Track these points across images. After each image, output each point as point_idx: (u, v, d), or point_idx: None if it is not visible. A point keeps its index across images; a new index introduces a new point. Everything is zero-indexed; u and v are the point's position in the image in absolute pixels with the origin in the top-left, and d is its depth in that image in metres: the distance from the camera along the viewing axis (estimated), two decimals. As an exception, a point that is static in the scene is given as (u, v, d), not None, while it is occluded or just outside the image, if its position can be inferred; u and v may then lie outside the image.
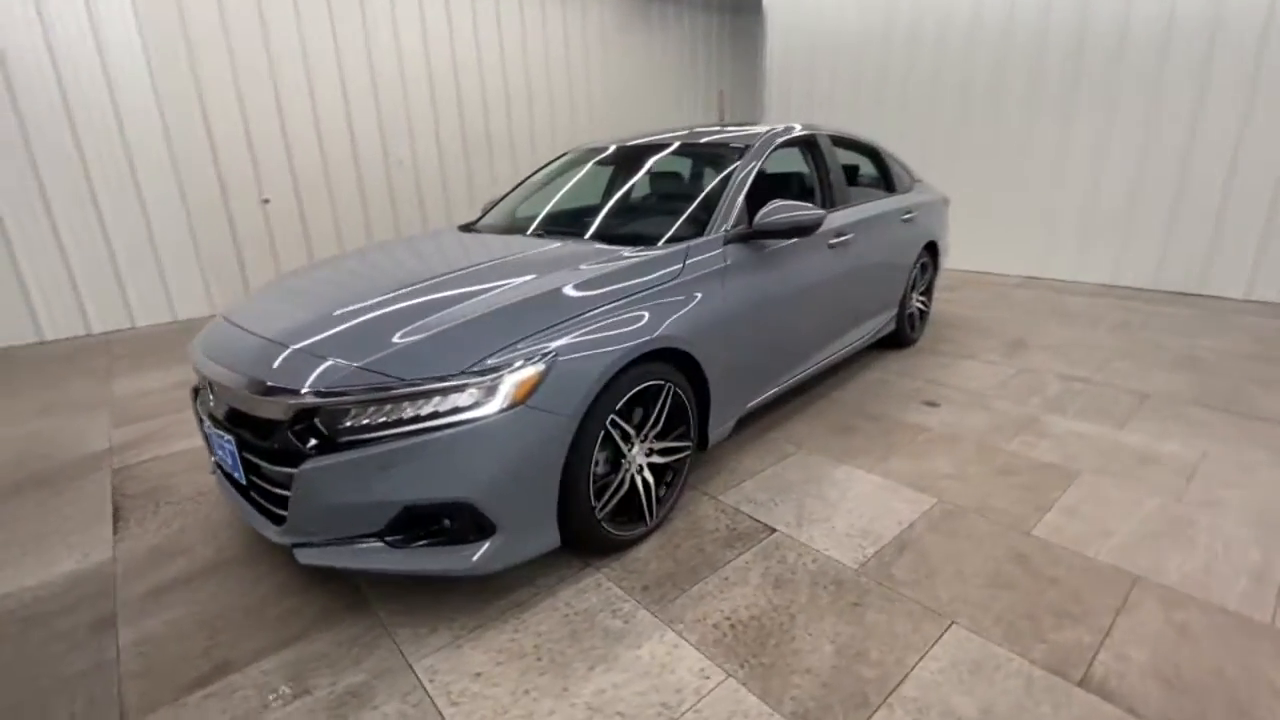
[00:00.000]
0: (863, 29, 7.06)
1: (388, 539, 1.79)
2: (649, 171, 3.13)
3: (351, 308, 2.08)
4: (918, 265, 4.14)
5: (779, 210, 2.54)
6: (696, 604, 1.95)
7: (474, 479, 1.72)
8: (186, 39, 5.45)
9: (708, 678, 1.68)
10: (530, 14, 7.71)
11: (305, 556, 1.83)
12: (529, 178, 3.64)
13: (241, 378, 1.85)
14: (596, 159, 3.34)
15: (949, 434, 3.04)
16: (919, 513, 2.40)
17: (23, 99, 4.80)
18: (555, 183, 3.38)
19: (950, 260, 6.94)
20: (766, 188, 4.22)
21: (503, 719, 1.59)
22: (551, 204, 3.16)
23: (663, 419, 2.22)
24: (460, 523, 1.78)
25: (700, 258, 2.40)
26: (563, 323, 1.94)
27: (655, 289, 2.21)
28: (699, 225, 2.56)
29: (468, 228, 3.32)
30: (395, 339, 1.84)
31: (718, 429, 2.57)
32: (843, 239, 3.18)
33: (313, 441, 1.74)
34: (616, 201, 3.01)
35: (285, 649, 1.83)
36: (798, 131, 3.20)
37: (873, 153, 3.96)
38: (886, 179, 3.99)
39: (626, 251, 2.39)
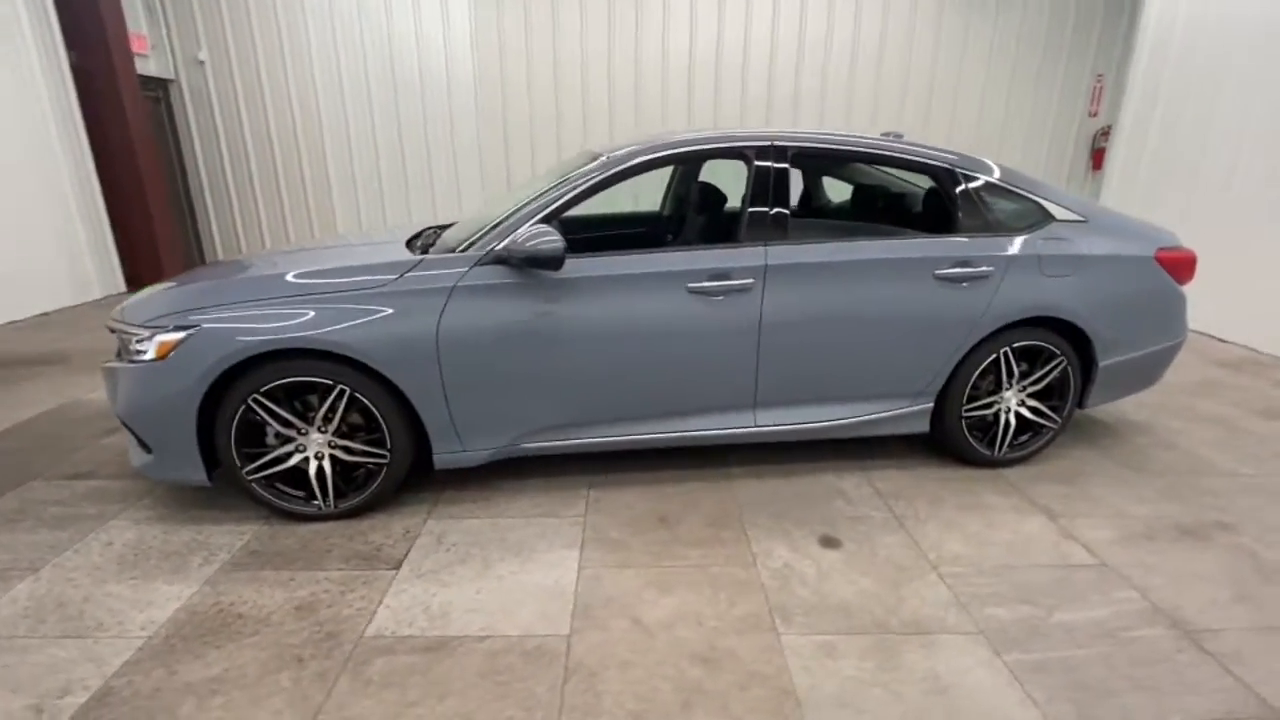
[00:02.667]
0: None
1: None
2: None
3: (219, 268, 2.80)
4: (1007, 350, 2.67)
5: (528, 236, 2.20)
6: (230, 587, 2.07)
7: (126, 406, 2.27)
8: (500, 53, 7.09)
9: (125, 636, 1.87)
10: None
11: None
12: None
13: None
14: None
15: (766, 586, 2.09)
16: (522, 633, 1.88)
17: (403, 107, 7.14)
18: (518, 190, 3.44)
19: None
20: (663, 212, 3.41)
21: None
22: (478, 209, 3.27)
23: (336, 417, 2.31)
24: (136, 436, 2.35)
25: (426, 273, 2.30)
26: (242, 302, 2.24)
27: (350, 293, 2.27)
28: (471, 241, 2.40)
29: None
30: (157, 291, 2.47)
31: (448, 454, 2.45)
32: (728, 284, 2.40)
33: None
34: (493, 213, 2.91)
35: (88, 480, 2.76)
36: (691, 144, 2.62)
37: (943, 174, 2.66)
38: (950, 211, 2.65)
39: (380, 255, 2.48)
